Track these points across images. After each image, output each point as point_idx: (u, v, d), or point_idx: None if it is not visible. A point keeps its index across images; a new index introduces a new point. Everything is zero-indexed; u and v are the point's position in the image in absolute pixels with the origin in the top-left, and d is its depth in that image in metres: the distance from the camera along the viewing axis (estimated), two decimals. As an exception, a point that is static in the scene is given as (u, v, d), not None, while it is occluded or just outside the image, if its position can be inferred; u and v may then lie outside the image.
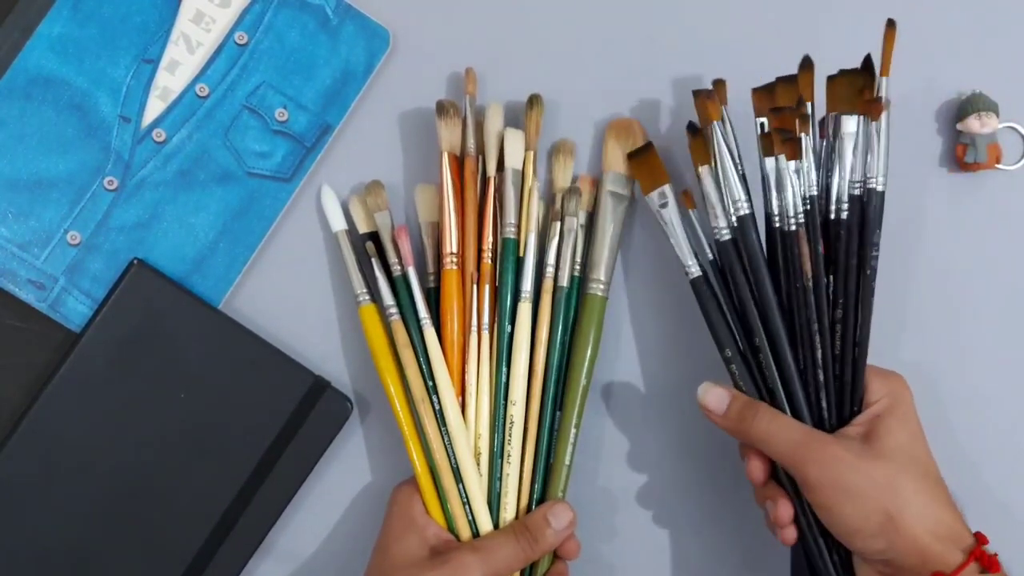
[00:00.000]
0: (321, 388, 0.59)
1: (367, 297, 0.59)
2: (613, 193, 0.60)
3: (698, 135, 0.56)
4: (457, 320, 0.58)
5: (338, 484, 0.61)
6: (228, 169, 0.60)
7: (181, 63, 0.60)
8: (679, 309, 0.62)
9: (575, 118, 0.62)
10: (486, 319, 0.58)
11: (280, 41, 0.60)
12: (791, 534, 0.54)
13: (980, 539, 0.50)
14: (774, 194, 0.54)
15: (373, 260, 0.58)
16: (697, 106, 0.56)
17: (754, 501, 0.56)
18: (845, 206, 0.54)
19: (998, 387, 0.62)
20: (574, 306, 0.59)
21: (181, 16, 0.60)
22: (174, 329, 0.58)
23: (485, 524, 0.57)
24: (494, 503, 0.58)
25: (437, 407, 0.57)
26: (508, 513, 0.58)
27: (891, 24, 0.54)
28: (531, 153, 0.60)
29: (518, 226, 0.59)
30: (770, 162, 0.54)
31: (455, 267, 0.58)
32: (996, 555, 0.50)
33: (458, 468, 0.57)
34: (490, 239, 0.59)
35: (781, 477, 0.54)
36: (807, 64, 0.55)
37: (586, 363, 0.58)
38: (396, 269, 0.58)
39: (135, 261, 0.58)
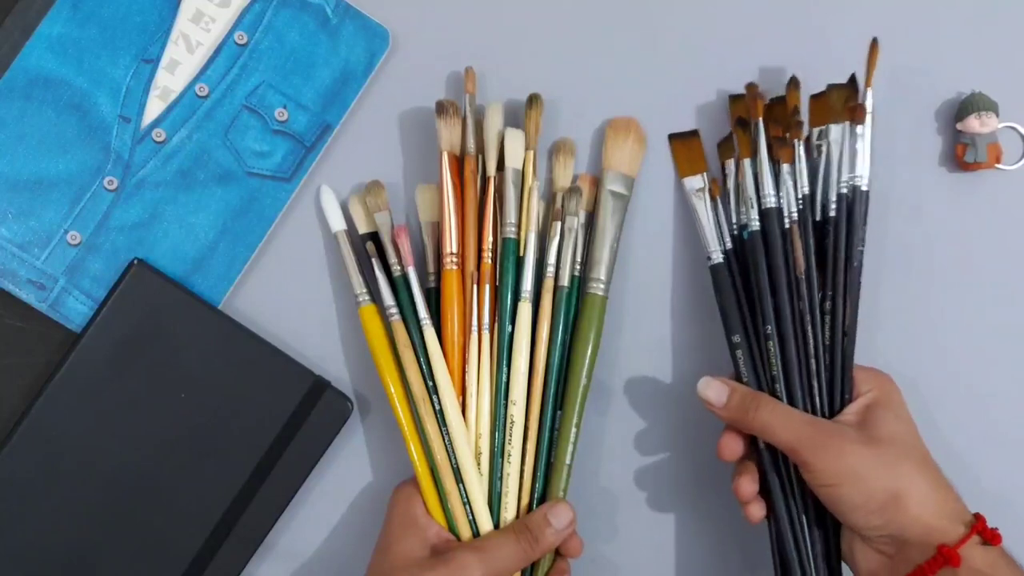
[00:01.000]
0: (321, 388, 0.59)
1: (367, 297, 0.59)
2: (613, 192, 0.60)
3: (742, 130, 0.59)
4: (457, 320, 0.58)
5: (338, 484, 0.61)
6: (228, 169, 0.60)
7: (181, 63, 0.60)
8: (679, 309, 0.62)
9: (575, 118, 0.62)
10: (486, 319, 0.58)
11: (280, 41, 0.60)
12: (757, 511, 0.56)
13: (979, 517, 0.52)
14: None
15: (373, 260, 0.58)
16: (748, 102, 0.59)
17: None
18: (833, 204, 0.58)
19: (998, 387, 0.62)
20: (574, 306, 0.59)
21: (181, 16, 0.60)
22: (174, 329, 0.58)
23: (486, 524, 0.57)
24: (495, 503, 0.58)
25: (437, 407, 0.57)
26: (509, 513, 0.58)
27: (875, 42, 0.59)
28: (531, 153, 0.60)
29: (518, 226, 0.59)
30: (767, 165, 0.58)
31: (455, 267, 0.58)
32: (996, 529, 0.52)
33: (458, 468, 0.57)
34: (490, 239, 0.59)
35: (763, 457, 0.56)
36: (794, 83, 0.59)
37: (586, 362, 0.58)
38: (396, 269, 0.58)
39: (135, 261, 0.58)
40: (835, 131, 0.59)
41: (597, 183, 0.61)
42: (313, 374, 0.59)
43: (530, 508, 0.58)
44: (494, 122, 0.60)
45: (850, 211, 0.58)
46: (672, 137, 0.62)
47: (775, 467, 0.56)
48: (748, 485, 0.56)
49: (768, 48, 0.62)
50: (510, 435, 0.57)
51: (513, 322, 0.58)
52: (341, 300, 0.61)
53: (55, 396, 0.57)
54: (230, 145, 0.60)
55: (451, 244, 0.58)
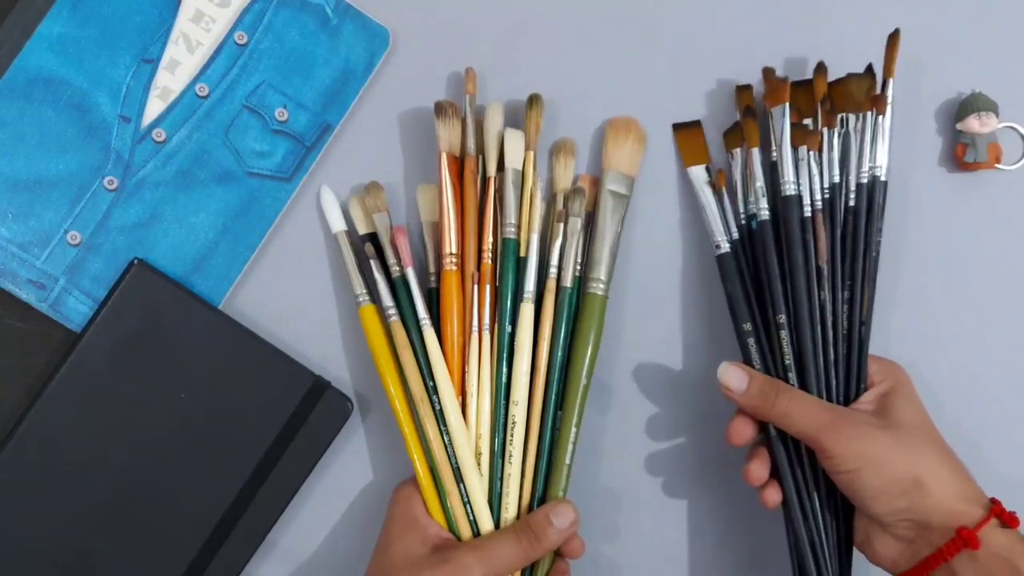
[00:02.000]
0: (321, 388, 0.59)
1: (367, 298, 0.59)
2: (614, 192, 0.60)
3: (752, 119, 0.59)
4: (457, 320, 0.58)
5: (339, 484, 0.61)
6: (228, 169, 0.60)
7: (181, 63, 0.60)
8: (680, 307, 0.62)
9: (575, 118, 0.62)
10: (486, 319, 0.58)
11: (280, 41, 0.60)
12: (774, 495, 0.56)
13: (995, 501, 0.53)
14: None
15: (372, 262, 0.58)
16: (771, 87, 0.60)
17: (754, 495, 0.57)
18: (853, 194, 0.58)
19: (998, 386, 0.62)
20: (575, 306, 0.59)
21: (181, 16, 0.60)
22: (174, 329, 0.58)
23: (486, 524, 0.57)
24: (495, 503, 0.58)
25: (437, 407, 0.57)
26: (509, 513, 0.57)
27: (895, 33, 0.59)
28: (531, 153, 0.60)
29: (518, 226, 0.59)
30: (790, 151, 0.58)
31: (455, 267, 0.58)
32: (1014, 512, 0.52)
33: (459, 468, 0.57)
34: (490, 239, 0.59)
35: (774, 443, 0.56)
36: (821, 69, 0.60)
37: (587, 362, 0.58)
38: (395, 270, 0.58)
39: (135, 261, 0.58)
40: (853, 120, 0.59)
41: (597, 183, 0.61)
42: (313, 374, 0.59)
43: (531, 508, 0.58)
44: (494, 122, 0.60)
45: (870, 200, 0.58)
46: (676, 127, 0.63)
47: (787, 455, 0.56)
48: (760, 469, 0.56)
49: (768, 49, 0.62)
50: (511, 436, 0.57)
51: (514, 322, 0.58)
52: (341, 300, 0.61)
53: (55, 396, 0.57)
54: (230, 145, 0.60)
55: (451, 244, 0.58)
